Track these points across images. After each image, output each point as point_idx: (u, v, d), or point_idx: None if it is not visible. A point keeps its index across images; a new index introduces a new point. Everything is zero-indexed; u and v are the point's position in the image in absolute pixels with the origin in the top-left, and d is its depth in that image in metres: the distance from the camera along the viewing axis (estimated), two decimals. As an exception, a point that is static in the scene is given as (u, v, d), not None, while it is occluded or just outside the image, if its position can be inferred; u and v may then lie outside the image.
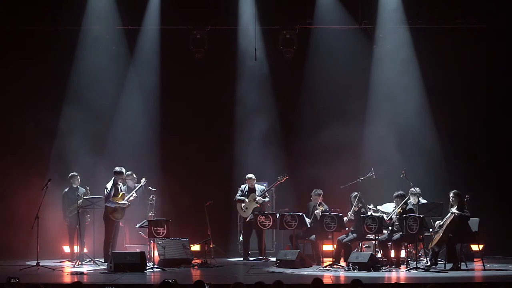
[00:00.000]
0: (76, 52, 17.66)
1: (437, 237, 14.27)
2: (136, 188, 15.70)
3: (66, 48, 17.60)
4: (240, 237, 16.82)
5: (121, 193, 15.20)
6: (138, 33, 17.91)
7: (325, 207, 15.62)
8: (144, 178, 15.67)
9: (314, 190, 15.77)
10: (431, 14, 17.49)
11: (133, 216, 15.69)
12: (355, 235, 15.05)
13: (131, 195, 15.41)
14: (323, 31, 17.92)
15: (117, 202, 15.09)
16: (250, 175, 16.50)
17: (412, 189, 15.56)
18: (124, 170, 15.31)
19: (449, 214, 14.29)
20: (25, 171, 17.13)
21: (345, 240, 15.04)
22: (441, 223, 14.34)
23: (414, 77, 17.67)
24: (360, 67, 17.81)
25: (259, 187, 16.52)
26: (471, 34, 17.45)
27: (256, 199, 16.24)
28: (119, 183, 15.24)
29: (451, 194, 14.40)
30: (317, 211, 15.47)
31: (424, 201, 15.69)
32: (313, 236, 15.56)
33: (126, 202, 15.21)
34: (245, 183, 16.58)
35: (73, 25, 17.51)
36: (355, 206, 15.04)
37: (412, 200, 15.46)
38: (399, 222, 14.33)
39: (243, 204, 16.44)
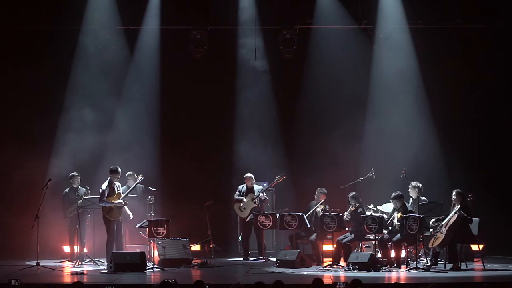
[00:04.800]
0: (76, 52, 17.66)
1: (439, 237, 14.24)
2: (132, 186, 15.58)
3: (66, 48, 17.60)
4: (239, 237, 16.83)
5: (117, 192, 15.05)
6: (138, 33, 17.90)
7: (326, 207, 15.63)
8: (141, 175, 15.51)
9: (319, 188, 15.82)
10: (431, 14, 17.48)
11: (133, 216, 15.67)
12: (353, 235, 15.03)
13: (127, 193, 15.30)
14: (323, 31, 17.92)
15: (112, 202, 14.86)
16: (248, 174, 16.51)
17: (413, 182, 15.50)
18: (119, 169, 15.13)
19: (452, 213, 14.26)
20: (26, 170, 17.10)
21: (344, 240, 15.03)
22: (443, 223, 14.32)
23: (414, 77, 17.65)
24: (360, 67, 17.81)
25: (257, 187, 16.51)
26: (471, 34, 17.45)
27: (259, 195, 16.21)
28: (115, 182, 15.03)
29: (454, 193, 14.37)
30: (318, 208, 15.50)
31: (424, 198, 15.66)
32: (313, 236, 15.58)
33: (122, 201, 15.00)
34: (243, 184, 16.59)
35: (73, 25, 17.50)
36: (352, 206, 15.04)
37: (412, 194, 15.42)
38: (400, 223, 14.32)
39: (241, 204, 16.44)
